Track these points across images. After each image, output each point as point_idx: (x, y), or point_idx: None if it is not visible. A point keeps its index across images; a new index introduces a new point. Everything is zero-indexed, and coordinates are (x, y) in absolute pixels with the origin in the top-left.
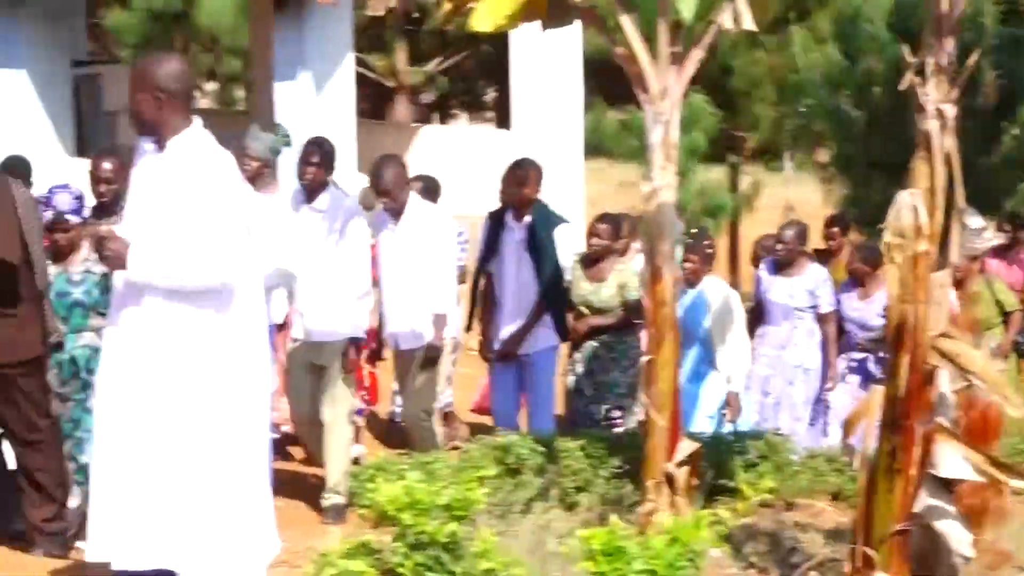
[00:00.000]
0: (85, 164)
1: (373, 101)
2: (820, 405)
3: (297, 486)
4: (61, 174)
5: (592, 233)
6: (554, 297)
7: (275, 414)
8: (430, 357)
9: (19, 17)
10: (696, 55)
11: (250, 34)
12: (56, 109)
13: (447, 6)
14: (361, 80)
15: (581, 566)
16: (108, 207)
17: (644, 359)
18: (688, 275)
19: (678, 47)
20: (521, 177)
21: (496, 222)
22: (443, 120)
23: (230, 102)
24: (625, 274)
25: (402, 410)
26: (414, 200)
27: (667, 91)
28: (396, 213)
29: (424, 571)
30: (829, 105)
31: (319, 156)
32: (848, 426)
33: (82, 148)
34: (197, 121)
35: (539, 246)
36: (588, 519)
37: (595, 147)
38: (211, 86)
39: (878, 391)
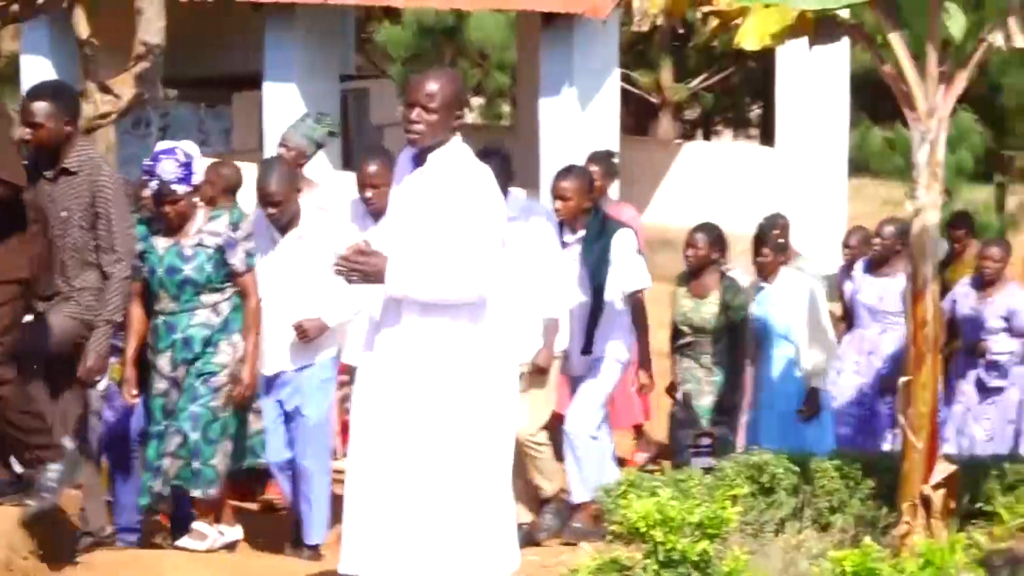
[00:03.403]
0: (353, 177)
1: (637, 117)
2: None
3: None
4: (329, 187)
5: (688, 244)
6: (597, 311)
7: None
8: (540, 368)
9: (290, 32)
10: (964, 74)
11: (518, 50)
12: None
13: (714, 23)
14: (626, 96)
15: None
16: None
17: (901, 381)
18: (761, 269)
19: (947, 65)
20: (564, 188)
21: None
22: (707, 137)
23: (496, 117)
24: (731, 291)
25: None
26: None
27: (934, 109)
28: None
29: None
30: None
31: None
32: None
33: (349, 162)
34: (457, 135)
35: (593, 258)
36: (841, 540)
37: (859, 165)
38: (477, 101)
39: None
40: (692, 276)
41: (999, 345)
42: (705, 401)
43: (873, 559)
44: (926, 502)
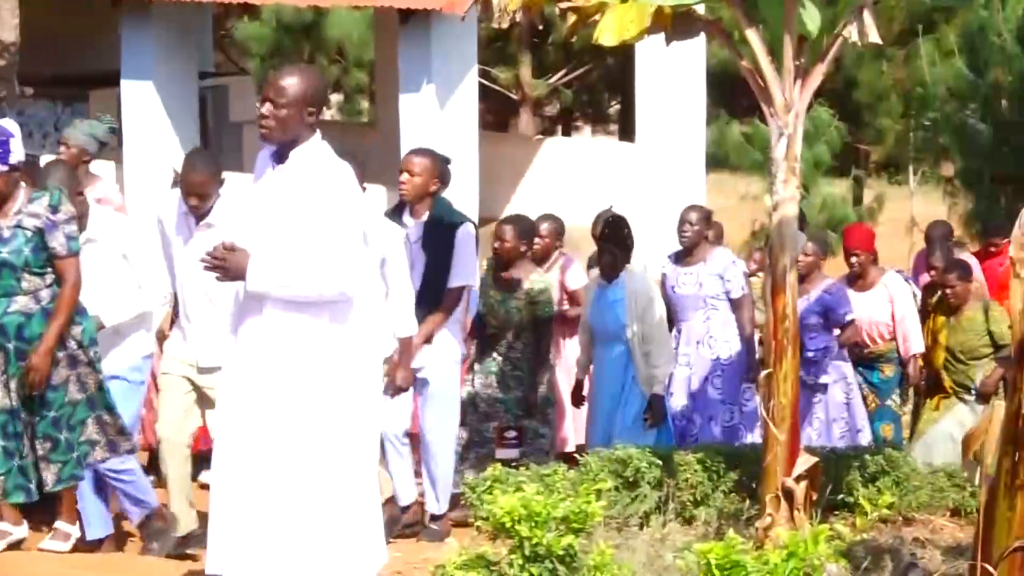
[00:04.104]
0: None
1: (497, 113)
2: (739, 405)
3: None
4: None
5: (497, 236)
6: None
7: None
8: (401, 389)
9: (147, 29)
10: (821, 68)
11: (376, 47)
12: (182, 120)
13: (572, 19)
14: (485, 92)
15: None
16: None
17: (764, 373)
18: (605, 269)
19: (803, 60)
20: (414, 163)
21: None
22: (567, 133)
23: (355, 114)
24: (538, 286)
25: None
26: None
27: (791, 104)
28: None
29: None
30: (955, 118)
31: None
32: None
33: None
34: (317, 133)
35: (434, 246)
36: (705, 533)
37: (718, 160)
38: (336, 98)
39: (999, 407)
40: (500, 269)
41: (815, 342)
42: (508, 395)
43: (737, 551)
44: (788, 494)
